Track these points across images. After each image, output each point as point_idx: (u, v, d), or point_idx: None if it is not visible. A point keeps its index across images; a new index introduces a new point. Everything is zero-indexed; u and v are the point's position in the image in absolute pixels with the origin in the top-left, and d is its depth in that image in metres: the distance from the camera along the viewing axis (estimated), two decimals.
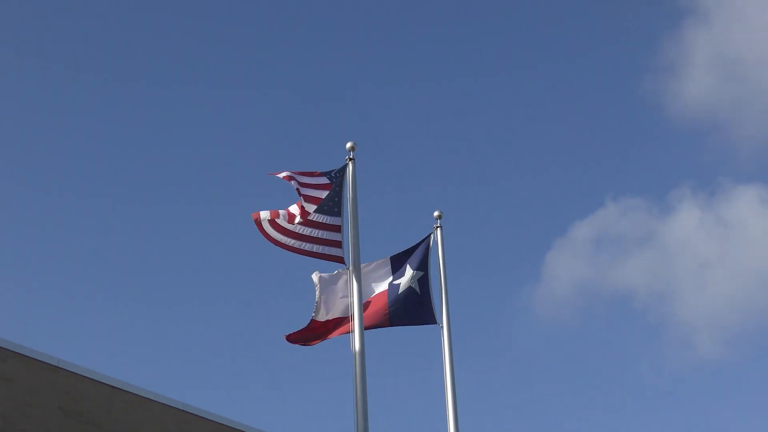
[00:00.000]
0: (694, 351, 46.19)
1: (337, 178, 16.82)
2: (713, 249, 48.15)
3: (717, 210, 48.17)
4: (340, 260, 16.42)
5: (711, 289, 47.58)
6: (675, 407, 45.22)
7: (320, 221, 16.37)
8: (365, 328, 16.56)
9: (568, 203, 49.62)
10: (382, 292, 17.61)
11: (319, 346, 17.19)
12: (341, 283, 16.84)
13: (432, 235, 18.35)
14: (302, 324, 16.71)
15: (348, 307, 16.55)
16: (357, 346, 15.73)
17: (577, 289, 47.66)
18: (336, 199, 16.65)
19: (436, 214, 18.60)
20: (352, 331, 15.98)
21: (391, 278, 17.67)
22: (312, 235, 16.29)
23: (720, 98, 48.77)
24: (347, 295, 16.64)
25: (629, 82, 49.90)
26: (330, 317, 16.75)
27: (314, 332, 16.82)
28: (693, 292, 47.69)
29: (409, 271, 17.74)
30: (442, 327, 17.69)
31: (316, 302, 16.68)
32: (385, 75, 49.87)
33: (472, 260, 44.46)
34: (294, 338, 16.69)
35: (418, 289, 17.73)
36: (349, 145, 17.19)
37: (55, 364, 13.48)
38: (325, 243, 16.35)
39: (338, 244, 16.39)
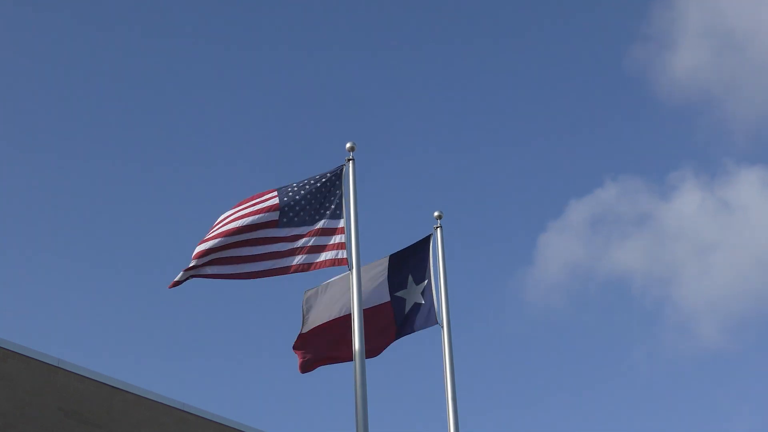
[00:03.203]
0: (693, 338, 45.47)
1: (335, 180, 16.77)
2: (714, 232, 47.04)
3: (719, 192, 47.28)
4: (343, 262, 16.33)
5: (712, 274, 46.58)
6: (672, 397, 44.58)
7: (321, 227, 16.35)
8: (378, 353, 16.89)
9: (565, 182, 48.68)
10: (386, 304, 17.53)
11: None
12: (331, 292, 16.92)
13: (432, 236, 18.30)
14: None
15: (343, 306, 16.61)
16: (357, 346, 15.72)
17: (572, 273, 46.88)
18: (337, 202, 16.60)
19: (436, 214, 18.53)
20: (353, 334, 15.93)
21: (388, 286, 17.59)
22: (312, 244, 16.26)
23: (714, 72, 47.72)
24: (340, 299, 16.74)
25: (617, 51, 48.97)
26: (321, 322, 16.83)
27: (313, 346, 16.83)
28: (693, 277, 46.81)
29: (412, 285, 17.69)
30: (442, 327, 17.65)
31: (304, 317, 16.83)
32: (385, 75, 49.89)
33: (464, 247, 44.03)
34: (301, 362, 16.78)
35: (422, 300, 17.68)
36: (348, 145, 17.15)
37: (55, 364, 13.48)
38: (327, 249, 16.27)
39: (341, 246, 16.31)
